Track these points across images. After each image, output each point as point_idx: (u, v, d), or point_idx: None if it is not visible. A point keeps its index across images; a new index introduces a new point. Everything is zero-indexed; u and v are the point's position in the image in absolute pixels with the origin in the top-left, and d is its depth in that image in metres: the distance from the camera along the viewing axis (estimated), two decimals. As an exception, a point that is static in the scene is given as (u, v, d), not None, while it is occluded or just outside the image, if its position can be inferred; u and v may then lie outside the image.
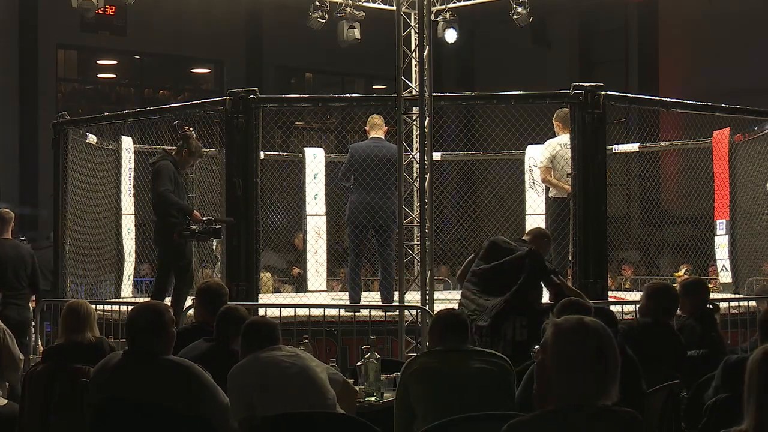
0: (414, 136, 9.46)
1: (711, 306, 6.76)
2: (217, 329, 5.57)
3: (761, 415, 2.75)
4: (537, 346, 3.74)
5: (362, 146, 9.72)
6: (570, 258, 8.99)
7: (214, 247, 10.82)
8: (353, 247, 9.63)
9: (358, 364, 5.32)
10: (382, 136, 9.72)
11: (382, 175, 9.38)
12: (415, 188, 9.15)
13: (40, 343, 9.52)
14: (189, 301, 8.33)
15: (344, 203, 12.18)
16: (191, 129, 9.14)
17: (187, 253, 8.96)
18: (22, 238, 16.26)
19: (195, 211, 9.02)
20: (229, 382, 4.43)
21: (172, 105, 12.87)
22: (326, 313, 8.42)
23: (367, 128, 9.86)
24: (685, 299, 6.71)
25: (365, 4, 11.64)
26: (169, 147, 9.41)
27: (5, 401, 6.62)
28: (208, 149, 10.75)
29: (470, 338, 5.16)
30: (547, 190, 10.18)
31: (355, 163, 9.54)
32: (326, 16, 11.60)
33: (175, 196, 8.73)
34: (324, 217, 11.60)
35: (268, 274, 13.09)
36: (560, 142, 9.71)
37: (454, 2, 11.61)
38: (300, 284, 12.22)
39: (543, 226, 10.50)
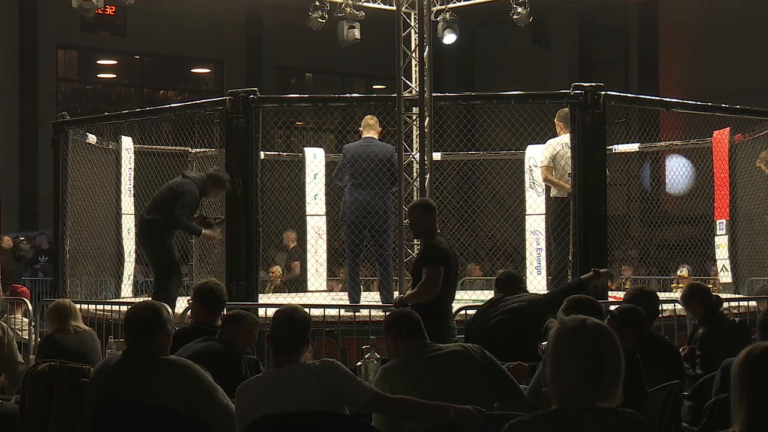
0: (414, 136, 9.46)
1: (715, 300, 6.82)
2: (222, 329, 5.61)
3: (750, 416, 2.73)
4: (544, 343, 3.74)
5: (353, 146, 9.74)
6: (570, 258, 8.98)
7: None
8: (351, 247, 9.62)
9: (358, 364, 5.31)
10: (375, 137, 9.68)
11: (374, 174, 9.35)
12: (415, 188, 9.15)
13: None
14: (186, 302, 8.33)
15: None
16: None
17: (174, 252, 8.98)
18: (21, 238, 16.28)
19: (205, 231, 9.03)
20: (237, 396, 4.37)
21: (172, 105, 12.87)
22: (326, 313, 8.42)
23: (361, 128, 9.87)
24: (692, 304, 6.74)
25: (365, 4, 11.64)
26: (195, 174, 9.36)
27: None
28: (208, 149, 10.78)
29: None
30: (547, 189, 10.17)
31: (347, 163, 9.55)
32: (326, 16, 11.59)
33: (185, 220, 8.83)
34: (324, 217, 11.60)
35: (278, 267, 13.09)
36: (561, 142, 9.70)
37: (454, 2, 11.61)
38: (300, 284, 12.22)
39: (543, 226, 10.50)
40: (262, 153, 9.47)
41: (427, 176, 8.88)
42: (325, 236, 11.59)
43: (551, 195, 10.00)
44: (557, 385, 2.99)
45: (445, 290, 6.77)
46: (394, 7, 9.78)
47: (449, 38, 11.88)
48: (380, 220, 9.39)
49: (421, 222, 6.95)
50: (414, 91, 9.46)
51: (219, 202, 10.10)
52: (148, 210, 9.11)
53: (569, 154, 9.22)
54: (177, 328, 6.29)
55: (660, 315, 6.93)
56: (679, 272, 12.55)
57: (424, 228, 6.94)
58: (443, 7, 11.53)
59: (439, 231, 7.10)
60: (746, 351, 2.82)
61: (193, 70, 24.15)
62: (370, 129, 9.69)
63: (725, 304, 8.67)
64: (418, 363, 4.61)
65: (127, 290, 10.81)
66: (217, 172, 9.10)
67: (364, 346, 6.08)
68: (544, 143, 10.06)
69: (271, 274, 13.42)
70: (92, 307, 9.27)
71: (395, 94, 8.91)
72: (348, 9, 11.49)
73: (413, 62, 9.74)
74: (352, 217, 9.47)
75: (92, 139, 10.72)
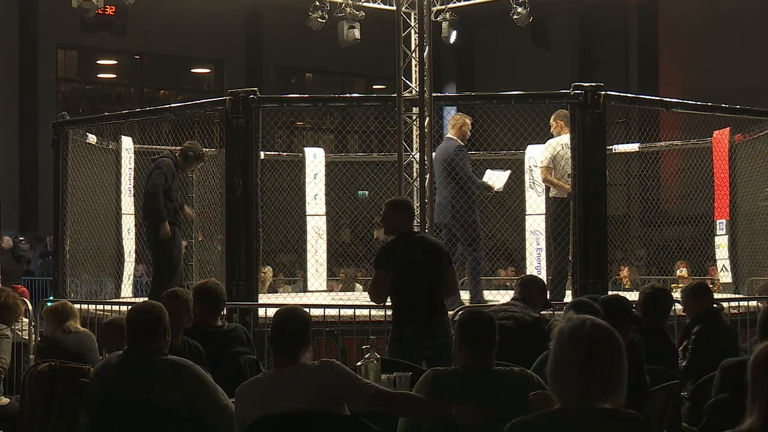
0: (414, 136, 9.45)
1: (716, 305, 6.83)
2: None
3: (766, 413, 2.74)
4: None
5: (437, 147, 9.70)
6: (570, 258, 8.98)
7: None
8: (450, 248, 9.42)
9: (358, 364, 5.30)
10: (453, 136, 9.56)
11: (439, 174, 9.32)
12: (415, 188, 9.15)
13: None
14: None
15: (344, 204, 12.20)
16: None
17: (175, 253, 9.01)
18: (21, 238, 16.29)
19: (163, 225, 9.04)
20: (236, 396, 4.36)
21: (172, 105, 12.87)
22: (326, 313, 8.42)
23: None
24: (691, 303, 6.77)
25: (365, 4, 11.64)
26: (175, 147, 9.48)
27: (7, 400, 6.66)
28: (208, 149, 10.76)
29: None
30: (547, 189, 10.17)
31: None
32: (326, 16, 11.60)
33: (162, 197, 8.89)
34: (324, 217, 11.60)
35: (269, 268, 13.06)
36: (561, 142, 9.70)
37: (454, 2, 11.61)
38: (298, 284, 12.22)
39: (543, 226, 10.50)
40: (262, 153, 9.46)
41: (427, 176, 8.87)
42: (325, 236, 11.59)
43: (550, 195, 9.99)
44: (555, 383, 3.00)
45: None
46: (394, 7, 9.78)
47: (452, 36, 11.89)
48: (446, 219, 9.29)
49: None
50: (414, 91, 9.46)
51: (220, 201, 10.10)
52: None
53: (569, 154, 9.22)
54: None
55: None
56: (678, 272, 12.55)
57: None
58: (443, 7, 11.53)
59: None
60: (764, 347, 2.84)
61: (193, 70, 24.16)
62: (450, 128, 9.60)
63: (726, 304, 8.69)
64: (469, 383, 4.27)
65: (127, 290, 10.81)
66: (190, 143, 9.29)
67: (364, 346, 6.07)
68: (544, 143, 10.06)
69: (262, 274, 13.40)
70: (92, 307, 9.27)
71: (395, 94, 8.90)
72: (348, 9, 11.49)
73: (413, 62, 9.74)
74: (436, 218, 9.47)
75: (92, 139, 10.72)
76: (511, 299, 6.78)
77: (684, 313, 7.61)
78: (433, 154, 9.53)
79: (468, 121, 9.62)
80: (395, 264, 6.54)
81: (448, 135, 9.57)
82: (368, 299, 10.18)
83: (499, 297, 9.42)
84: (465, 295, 9.49)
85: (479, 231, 9.50)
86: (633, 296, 10.75)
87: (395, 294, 6.62)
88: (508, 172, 10.12)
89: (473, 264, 9.41)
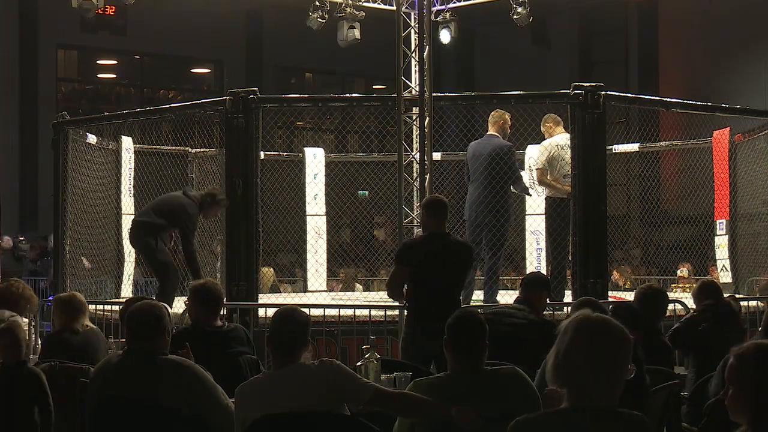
0: (414, 136, 9.45)
1: (723, 305, 6.84)
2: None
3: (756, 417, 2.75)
4: None
5: (472, 143, 9.67)
6: (569, 258, 8.97)
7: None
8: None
9: (358, 364, 5.30)
10: (495, 132, 9.55)
11: (479, 172, 9.30)
12: (415, 188, 9.14)
13: (39, 343, 9.51)
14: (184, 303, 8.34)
15: (344, 204, 12.20)
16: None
17: (159, 256, 9.03)
18: (21, 238, 16.30)
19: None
20: (236, 396, 4.36)
21: (172, 105, 12.87)
22: (326, 313, 8.42)
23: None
24: (694, 301, 6.79)
25: (365, 4, 11.65)
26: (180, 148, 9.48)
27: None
28: (208, 149, 10.78)
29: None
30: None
31: (468, 160, 9.54)
32: (326, 16, 11.61)
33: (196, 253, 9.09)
34: (324, 217, 11.60)
35: (271, 269, 13.07)
36: (554, 143, 9.71)
37: (454, 2, 11.62)
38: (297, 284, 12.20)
39: (543, 226, 10.50)
40: (262, 153, 9.47)
41: (427, 176, 8.87)
42: (325, 236, 11.59)
43: (546, 194, 9.99)
44: (559, 381, 2.98)
45: None
46: (394, 7, 9.78)
47: (444, 36, 11.89)
48: (479, 216, 9.29)
49: None
50: (414, 91, 9.46)
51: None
52: (142, 213, 9.36)
53: (566, 155, 9.22)
54: (177, 329, 6.30)
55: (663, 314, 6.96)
56: (679, 272, 12.56)
57: None
58: (443, 7, 11.53)
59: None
60: (750, 351, 2.84)
61: (193, 70, 24.15)
62: (492, 125, 9.58)
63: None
64: (457, 388, 4.24)
65: (127, 290, 10.81)
66: (214, 191, 9.25)
67: (364, 346, 6.07)
68: (540, 145, 10.05)
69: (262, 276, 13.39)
70: (92, 307, 9.26)
71: (395, 94, 8.90)
72: (348, 9, 11.50)
73: (413, 62, 9.74)
74: (466, 215, 9.45)
75: (92, 139, 10.72)
76: (515, 300, 6.78)
77: (684, 314, 7.64)
78: (469, 150, 9.55)
79: (508, 117, 9.59)
80: (412, 261, 6.58)
81: (490, 132, 9.53)
82: (368, 299, 10.23)
83: (499, 298, 9.42)
84: (480, 295, 9.52)
85: (507, 236, 9.47)
86: (632, 296, 10.75)
87: (410, 292, 6.67)
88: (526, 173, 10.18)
89: (492, 267, 9.40)
